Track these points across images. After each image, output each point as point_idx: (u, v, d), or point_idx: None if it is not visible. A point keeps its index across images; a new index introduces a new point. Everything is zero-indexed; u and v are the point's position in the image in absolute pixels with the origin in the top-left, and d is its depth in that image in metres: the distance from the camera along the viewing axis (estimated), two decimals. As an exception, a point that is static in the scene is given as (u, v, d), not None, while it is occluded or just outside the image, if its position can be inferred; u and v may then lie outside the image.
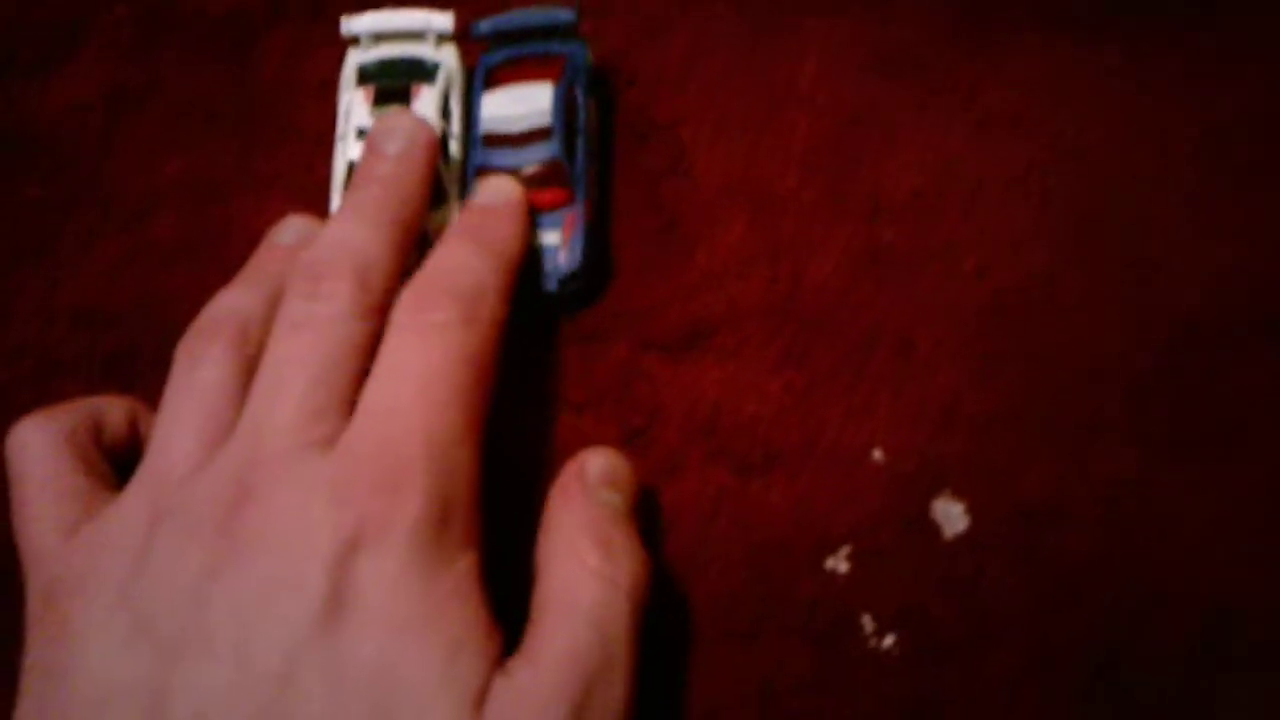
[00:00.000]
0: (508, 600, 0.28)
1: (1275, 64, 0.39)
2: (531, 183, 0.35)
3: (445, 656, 0.25)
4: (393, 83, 0.37)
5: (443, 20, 0.37)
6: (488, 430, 0.29)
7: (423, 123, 0.35)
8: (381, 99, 0.36)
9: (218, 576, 0.26)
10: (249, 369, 0.30)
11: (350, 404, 0.29)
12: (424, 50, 0.38)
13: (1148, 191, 0.37)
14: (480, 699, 0.25)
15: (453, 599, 0.26)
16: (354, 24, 0.38)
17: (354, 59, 0.38)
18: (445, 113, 0.37)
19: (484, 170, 0.36)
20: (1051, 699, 0.30)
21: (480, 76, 0.38)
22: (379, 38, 0.38)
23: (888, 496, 0.33)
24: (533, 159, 0.36)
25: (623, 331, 0.36)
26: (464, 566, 0.27)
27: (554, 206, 0.36)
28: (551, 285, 0.35)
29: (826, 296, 0.36)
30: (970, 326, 0.35)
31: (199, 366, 0.30)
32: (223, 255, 0.37)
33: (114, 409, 0.33)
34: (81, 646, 0.26)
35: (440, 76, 0.37)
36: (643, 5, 0.42)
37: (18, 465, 0.30)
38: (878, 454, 0.34)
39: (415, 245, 0.33)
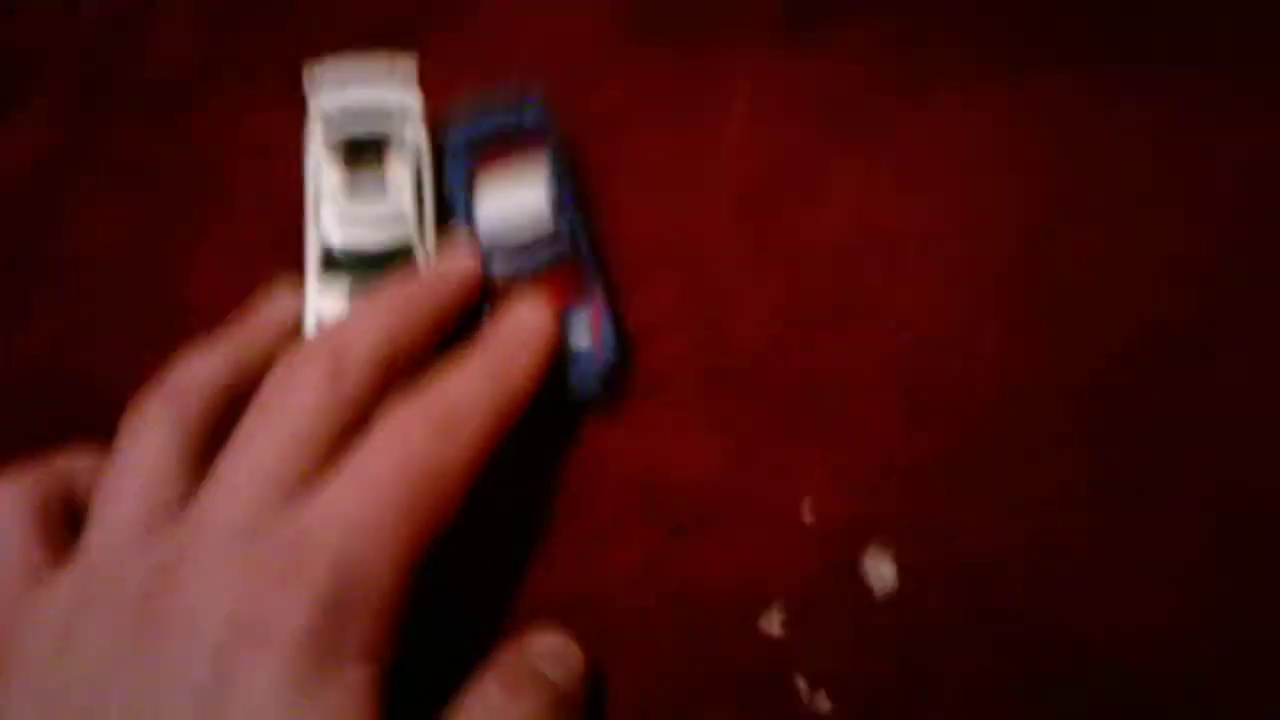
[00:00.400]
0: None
1: (1188, 102, 0.40)
2: (550, 282, 0.36)
3: None
4: (358, 135, 0.37)
5: (410, 101, 0.38)
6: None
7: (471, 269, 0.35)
8: (352, 160, 0.37)
9: (123, 662, 0.26)
10: (201, 436, 0.30)
11: (300, 497, 0.28)
12: (389, 94, 0.38)
13: (1062, 247, 0.38)
14: None
15: (334, 709, 0.25)
16: (316, 77, 0.38)
17: (317, 109, 0.38)
18: (419, 182, 0.37)
19: (497, 280, 0.36)
20: (983, 757, 0.31)
21: (456, 176, 0.37)
22: (341, 84, 0.38)
23: (819, 555, 0.33)
24: (541, 261, 0.36)
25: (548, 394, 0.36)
26: (354, 679, 0.26)
27: (574, 305, 0.36)
28: (594, 388, 0.35)
29: (756, 353, 0.37)
30: (897, 380, 0.36)
31: (143, 434, 0.30)
32: (159, 324, 0.37)
33: (86, 468, 0.32)
34: None
35: (402, 129, 0.37)
36: (576, 56, 0.42)
37: None
38: (808, 514, 0.34)
39: (418, 358, 0.33)
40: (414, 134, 0.37)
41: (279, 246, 0.38)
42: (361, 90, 0.38)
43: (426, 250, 0.36)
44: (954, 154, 0.39)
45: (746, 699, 0.32)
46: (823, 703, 0.31)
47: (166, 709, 0.25)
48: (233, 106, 0.42)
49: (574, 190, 0.38)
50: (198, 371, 0.32)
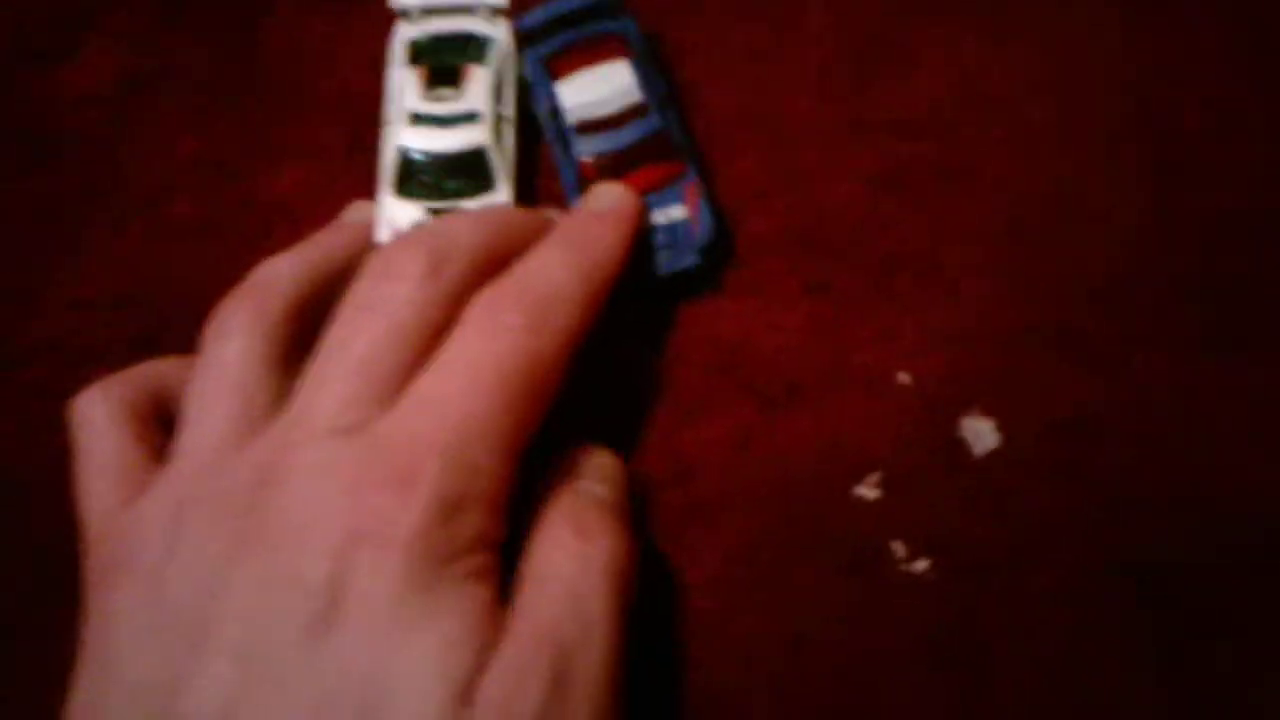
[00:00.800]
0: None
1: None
2: (641, 160, 0.35)
3: (437, 655, 0.24)
4: (444, 61, 0.36)
5: (497, 30, 0.37)
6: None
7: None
8: (435, 79, 0.36)
9: (235, 564, 0.25)
10: (286, 337, 0.30)
11: (399, 393, 0.28)
12: (475, 25, 0.37)
13: (1170, 93, 0.36)
14: (471, 691, 0.24)
15: (451, 597, 0.25)
16: (407, 26, 0.37)
17: (403, 34, 0.37)
18: (498, 94, 0.36)
19: (589, 159, 0.35)
20: (1090, 616, 0.30)
21: (537, 70, 0.37)
22: (428, 11, 0.37)
23: (915, 419, 0.33)
24: (635, 136, 0.35)
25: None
26: (471, 566, 0.26)
27: (670, 180, 0.35)
28: (690, 260, 0.34)
29: (846, 222, 0.36)
30: (993, 243, 0.34)
31: (227, 339, 0.30)
32: (243, 230, 0.38)
33: (175, 372, 0.32)
34: (115, 636, 0.26)
35: (493, 55, 0.36)
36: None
37: (80, 440, 0.30)
38: (903, 377, 0.33)
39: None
40: (497, 57, 0.36)
41: (355, 150, 0.38)
42: (449, 20, 0.37)
43: (504, 157, 0.35)
44: (1049, 11, 0.37)
45: (842, 562, 0.31)
46: (921, 565, 0.31)
47: (281, 612, 0.24)
48: (302, 15, 0.41)
49: (658, 69, 0.37)
50: (281, 272, 0.32)
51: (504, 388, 0.28)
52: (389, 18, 0.37)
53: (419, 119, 0.35)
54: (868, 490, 0.32)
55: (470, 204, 0.34)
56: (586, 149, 0.35)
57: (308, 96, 0.41)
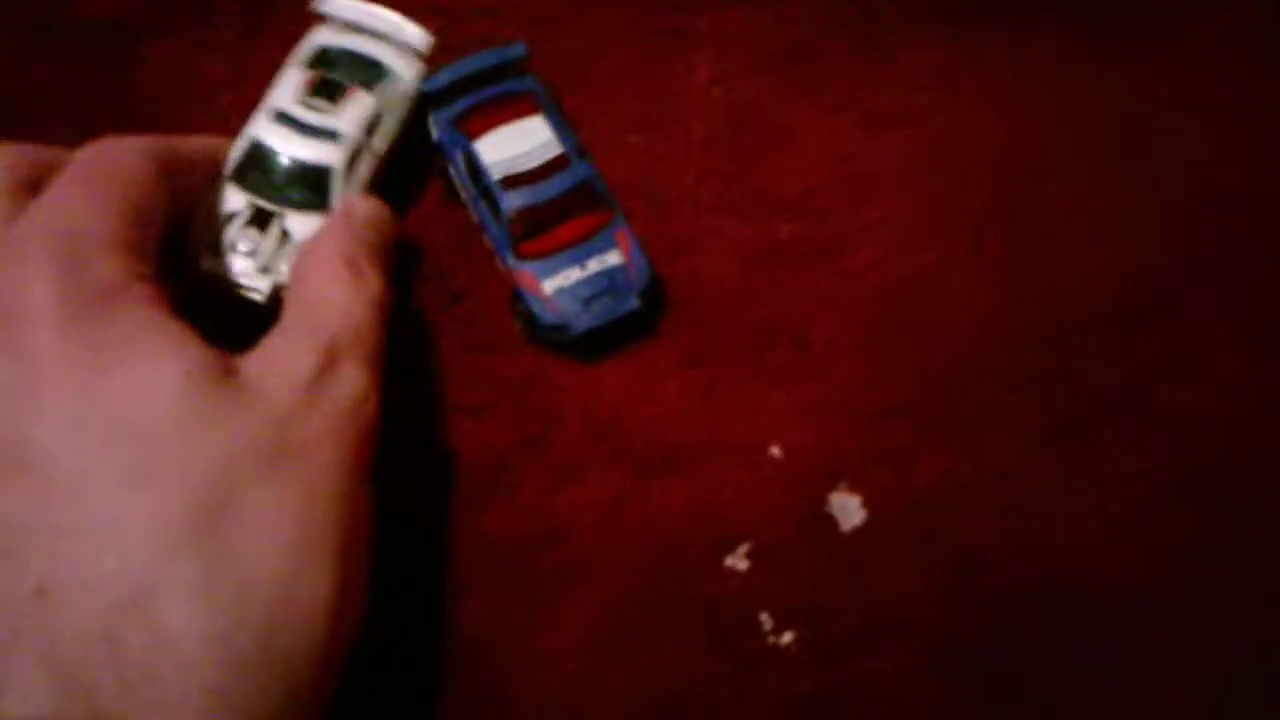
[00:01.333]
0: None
1: (1149, 61, 0.40)
2: (570, 211, 0.35)
3: (167, 363, 0.26)
4: (336, 75, 0.36)
5: (417, 35, 0.37)
6: (381, 437, 0.29)
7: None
8: (318, 90, 0.35)
9: None
10: None
11: None
12: (387, 55, 0.37)
13: (1031, 186, 0.38)
14: (228, 370, 0.26)
15: (138, 326, 0.26)
16: (329, 4, 0.37)
17: (315, 38, 0.37)
18: (372, 126, 0.35)
19: (517, 213, 0.35)
20: (948, 691, 0.31)
21: (449, 130, 0.37)
22: (349, 25, 0.37)
23: (786, 492, 0.33)
24: (560, 188, 0.35)
25: (519, 337, 0.36)
26: (137, 295, 0.27)
27: (601, 228, 0.35)
28: (632, 303, 0.35)
29: (723, 294, 0.36)
30: (863, 322, 0.36)
31: None
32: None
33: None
34: None
35: (384, 87, 0.36)
36: (534, 7, 0.42)
37: None
38: (775, 450, 0.34)
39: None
40: (389, 92, 0.36)
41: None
42: (364, 41, 0.37)
43: (352, 185, 0.35)
44: (921, 101, 0.39)
45: (711, 634, 0.31)
46: (787, 637, 0.31)
47: None
48: (184, 51, 0.40)
49: (569, 125, 0.38)
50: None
51: (88, 182, 0.29)
52: (281, 62, 0.37)
53: (283, 118, 0.35)
54: (737, 561, 0.32)
55: (298, 217, 0.34)
56: (514, 203, 0.35)
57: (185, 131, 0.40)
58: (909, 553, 0.32)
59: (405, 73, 0.37)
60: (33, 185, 0.29)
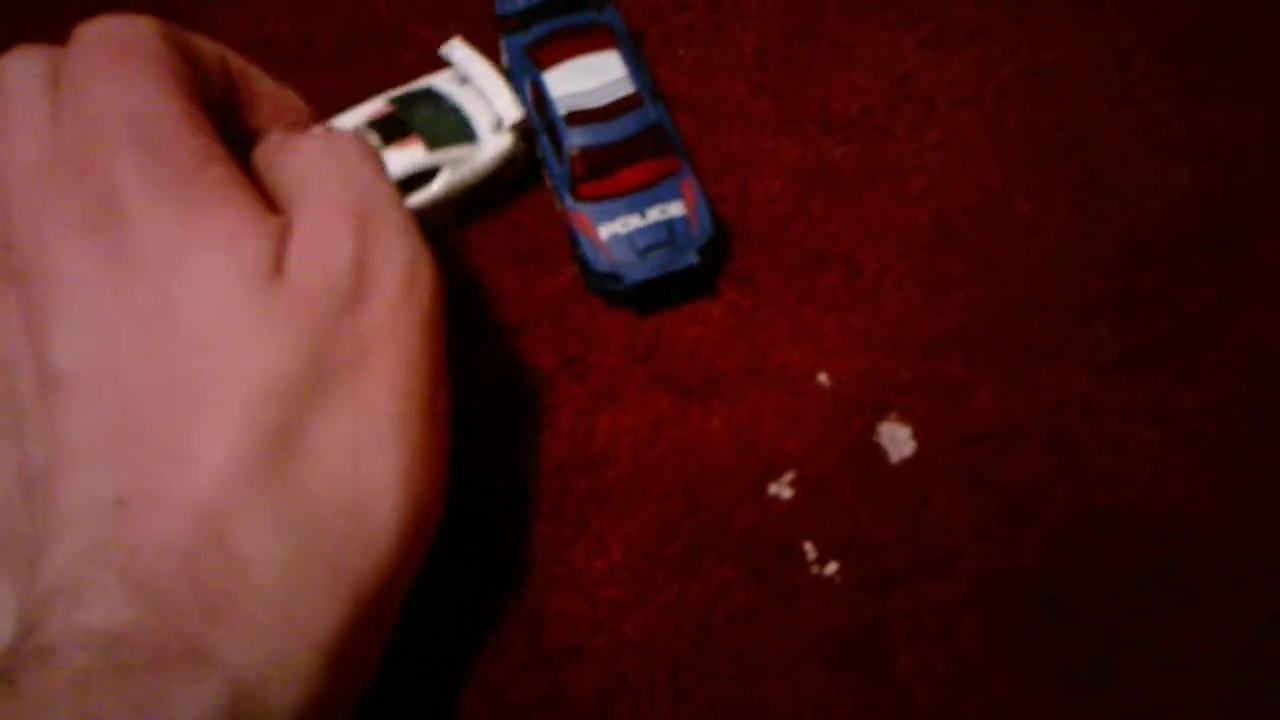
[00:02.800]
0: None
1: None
2: (636, 155, 0.34)
3: (225, 247, 0.25)
4: (409, 119, 0.35)
5: (510, 109, 0.35)
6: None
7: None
8: (378, 125, 0.35)
9: (22, 320, 0.25)
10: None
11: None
12: (479, 120, 0.35)
13: (1101, 110, 0.36)
14: (277, 265, 0.25)
15: (211, 201, 0.25)
16: (452, 50, 0.36)
17: (428, 78, 0.36)
18: (412, 181, 0.34)
19: (581, 152, 0.34)
20: (995, 627, 0.30)
21: (519, 58, 0.35)
22: (463, 78, 0.36)
23: (833, 421, 0.32)
24: (629, 130, 0.34)
25: (562, 253, 0.35)
26: (213, 175, 0.26)
27: (667, 176, 0.34)
28: (691, 259, 0.33)
29: (773, 216, 0.35)
30: (918, 249, 0.34)
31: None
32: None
33: None
34: None
35: (452, 150, 0.35)
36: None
37: None
38: (823, 378, 0.33)
39: None
40: (465, 157, 0.35)
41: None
42: (469, 94, 0.36)
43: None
44: (986, 20, 0.37)
45: (752, 562, 0.30)
46: (831, 568, 0.30)
47: (69, 257, 0.25)
48: None
49: (645, 65, 0.36)
50: None
51: (130, 62, 0.27)
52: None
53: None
54: (781, 489, 0.31)
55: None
56: (578, 141, 0.34)
57: (226, 34, 0.39)
58: (960, 486, 0.31)
59: (487, 143, 0.35)
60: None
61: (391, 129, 0.34)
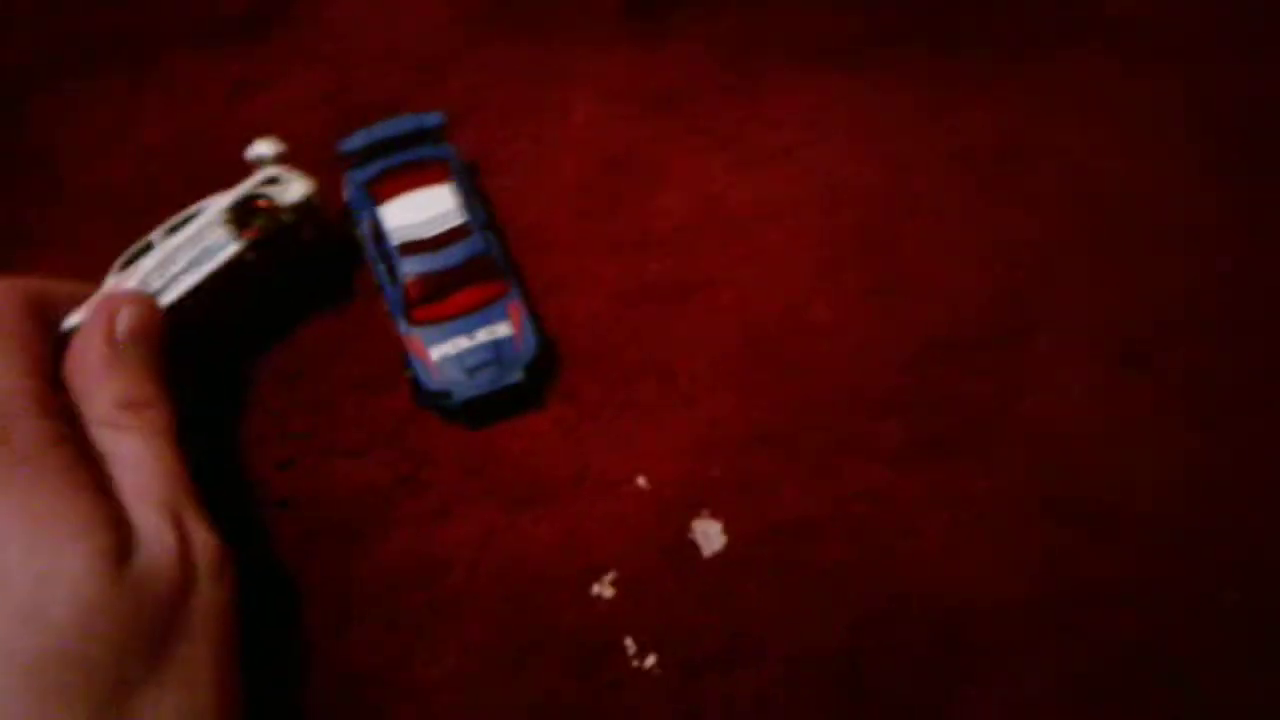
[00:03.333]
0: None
1: (1007, 94, 0.42)
2: (465, 280, 0.36)
3: (82, 537, 0.27)
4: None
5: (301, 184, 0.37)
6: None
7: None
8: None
9: None
10: None
11: None
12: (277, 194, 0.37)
13: (892, 220, 0.40)
14: (123, 553, 0.28)
15: (60, 486, 0.28)
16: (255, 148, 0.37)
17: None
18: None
19: (414, 279, 0.36)
20: (801, 708, 0.32)
21: (359, 193, 0.38)
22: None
23: (651, 521, 0.35)
24: (458, 258, 0.36)
25: (396, 379, 0.37)
26: (59, 458, 0.28)
27: (494, 299, 0.36)
28: (516, 376, 0.35)
29: (595, 332, 0.38)
30: (728, 358, 0.37)
31: None
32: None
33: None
34: None
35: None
36: (424, 51, 0.43)
37: None
38: (642, 481, 0.35)
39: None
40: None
41: (123, 247, 0.38)
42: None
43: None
44: (789, 139, 0.41)
45: (578, 660, 0.33)
46: (650, 660, 0.33)
47: None
48: (66, 105, 0.42)
49: (478, 194, 0.39)
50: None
51: None
52: (168, 111, 0.38)
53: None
54: (604, 588, 0.34)
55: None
56: (410, 269, 0.36)
57: (76, 184, 0.41)
58: (769, 575, 0.34)
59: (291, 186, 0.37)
60: None
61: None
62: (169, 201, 0.37)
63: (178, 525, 0.29)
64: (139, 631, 0.27)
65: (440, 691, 0.32)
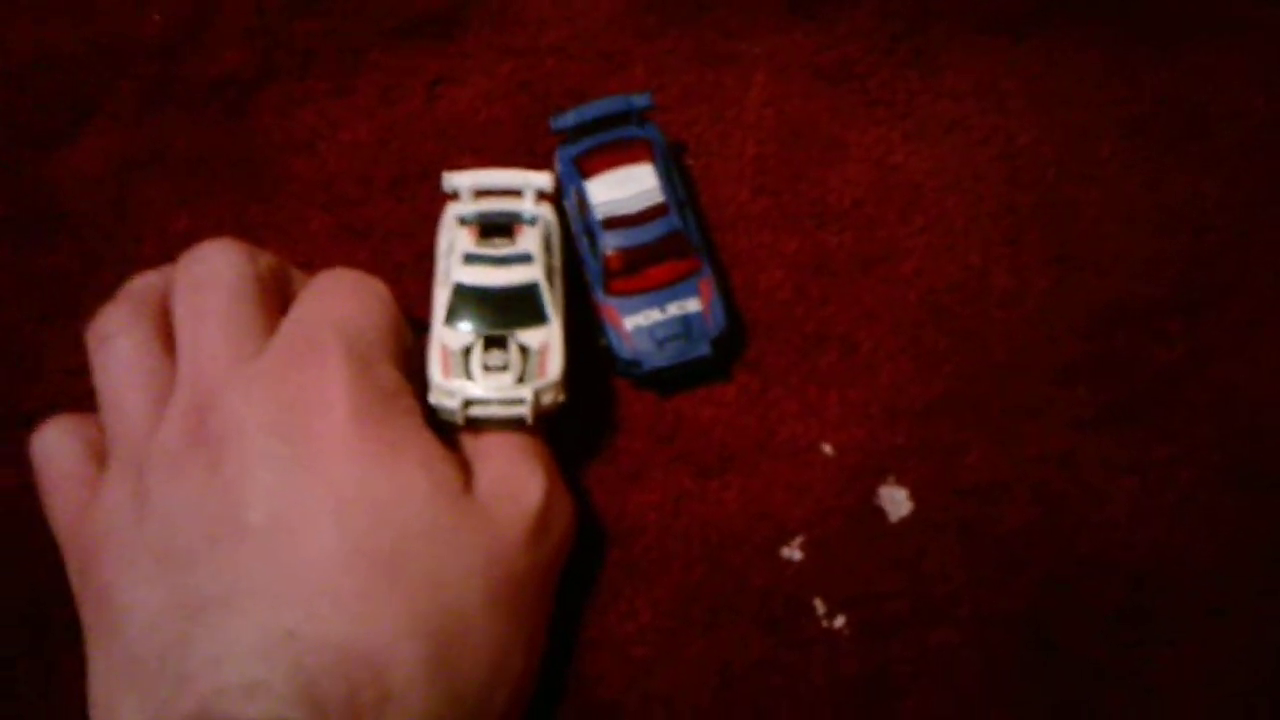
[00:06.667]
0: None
1: (1184, 58, 0.41)
2: (661, 256, 0.38)
3: (423, 471, 0.30)
4: (495, 222, 0.38)
5: (541, 179, 0.38)
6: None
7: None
8: (487, 233, 0.37)
9: (209, 488, 0.30)
10: (160, 327, 0.34)
11: (266, 329, 0.32)
12: (521, 206, 0.38)
13: (1072, 187, 0.39)
14: (465, 487, 0.31)
15: (405, 431, 0.31)
16: (454, 180, 0.38)
17: (453, 211, 0.38)
18: (548, 247, 0.37)
19: (614, 252, 0.38)
20: (991, 666, 0.33)
21: (568, 168, 0.40)
22: (479, 192, 0.38)
23: (837, 488, 0.36)
24: (655, 234, 0.38)
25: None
26: (406, 405, 0.32)
27: (686, 275, 0.38)
28: (703, 349, 0.37)
29: (776, 304, 0.39)
30: (908, 326, 0.38)
31: (114, 338, 0.34)
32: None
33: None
34: (121, 597, 0.29)
35: (539, 222, 0.38)
36: (600, 42, 0.45)
37: (39, 462, 0.34)
38: (827, 448, 0.36)
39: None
40: (543, 225, 0.38)
41: (339, 233, 0.41)
42: (496, 201, 0.38)
43: (555, 296, 0.36)
44: (964, 111, 0.41)
45: (767, 618, 0.34)
46: (839, 621, 0.34)
47: (266, 488, 0.29)
48: (288, 100, 0.45)
49: (678, 174, 0.41)
50: (149, 279, 0.36)
51: (354, 293, 0.34)
52: (372, 108, 0.41)
53: (474, 259, 0.36)
54: (793, 552, 0.35)
55: (524, 333, 0.35)
56: (612, 243, 0.38)
57: (293, 180, 0.44)
58: (954, 540, 0.35)
59: (545, 213, 0.38)
60: (280, 294, 0.35)
61: (499, 231, 0.37)
62: (379, 194, 0.40)
63: (550, 493, 0.32)
64: (482, 563, 0.30)
65: (636, 644, 0.34)
